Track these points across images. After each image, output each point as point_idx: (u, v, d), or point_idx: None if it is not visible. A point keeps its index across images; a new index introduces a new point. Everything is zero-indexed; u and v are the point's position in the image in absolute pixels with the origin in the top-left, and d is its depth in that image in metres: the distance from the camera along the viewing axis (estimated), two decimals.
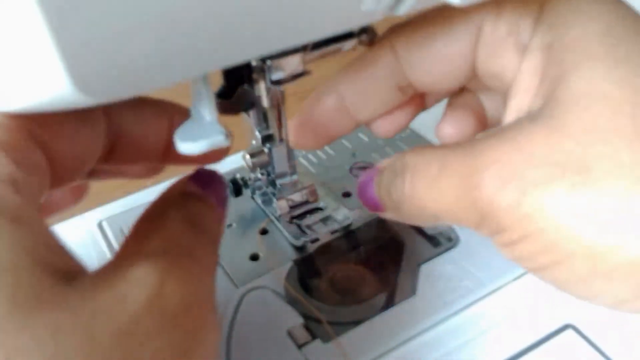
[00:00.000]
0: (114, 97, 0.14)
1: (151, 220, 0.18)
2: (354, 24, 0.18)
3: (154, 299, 0.14)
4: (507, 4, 0.20)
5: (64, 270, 0.14)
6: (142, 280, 0.15)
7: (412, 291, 0.30)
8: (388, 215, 0.23)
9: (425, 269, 0.31)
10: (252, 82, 0.27)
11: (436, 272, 0.31)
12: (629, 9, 0.19)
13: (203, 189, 0.20)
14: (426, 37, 0.22)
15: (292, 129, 0.25)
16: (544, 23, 0.19)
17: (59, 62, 0.12)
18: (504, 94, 0.22)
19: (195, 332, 0.15)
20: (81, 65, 0.12)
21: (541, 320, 0.28)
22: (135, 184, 0.41)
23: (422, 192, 0.20)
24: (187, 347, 0.15)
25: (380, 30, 0.25)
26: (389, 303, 0.30)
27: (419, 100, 0.26)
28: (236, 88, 0.27)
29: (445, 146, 0.20)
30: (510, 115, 0.20)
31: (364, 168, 0.39)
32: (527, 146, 0.17)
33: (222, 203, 0.21)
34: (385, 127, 0.26)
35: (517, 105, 0.20)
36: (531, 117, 0.18)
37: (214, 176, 0.22)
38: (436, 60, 0.22)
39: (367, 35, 0.25)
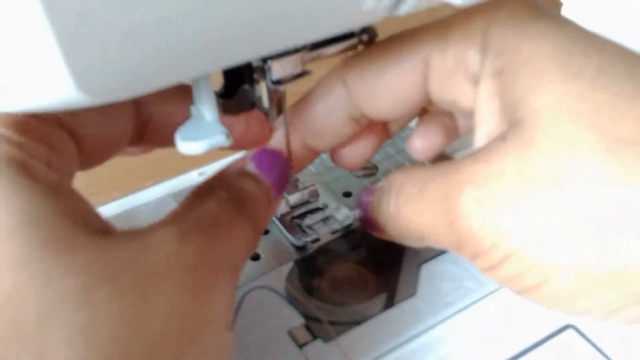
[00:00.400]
0: (116, 98, 0.14)
1: (198, 195, 0.19)
2: (354, 24, 0.18)
3: (173, 252, 0.16)
4: (450, 34, 0.21)
5: (98, 227, 0.16)
6: (165, 236, 0.17)
7: (413, 291, 0.30)
8: (383, 235, 0.23)
9: (425, 269, 0.31)
10: (252, 82, 0.27)
11: (437, 272, 0.31)
12: (573, 25, 0.19)
13: (262, 171, 0.21)
14: (375, 69, 0.22)
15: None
16: (491, 49, 0.19)
17: (62, 64, 0.12)
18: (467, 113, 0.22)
19: (206, 290, 0.17)
20: (84, 67, 0.12)
21: (541, 320, 0.28)
22: (134, 185, 0.41)
23: (406, 212, 0.20)
24: (197, 300, 0.16)
25: (381, 30, 0.25)
26: (390, 303, 0.30)
27: (381, 129, 0.26)
28: (237, 88, 0.27)
29: (428, 166, 0.20)
30: (481, 140, 0.20)
31: (364, 168, 0.39)
32: (499, 165, 0.17)
33: (278, 187, 0.22)
34: (348, 158, 0.26)
35: (486, 130, 0.20)
36: (502, 137, 0.18)
37: (276, 158, 0.22)
38: (385, 92, 0.22)
39: (367, 35, 0.25)
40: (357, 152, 0.26)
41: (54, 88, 0.13)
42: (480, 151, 0.18)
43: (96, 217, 0.17)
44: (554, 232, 0.16)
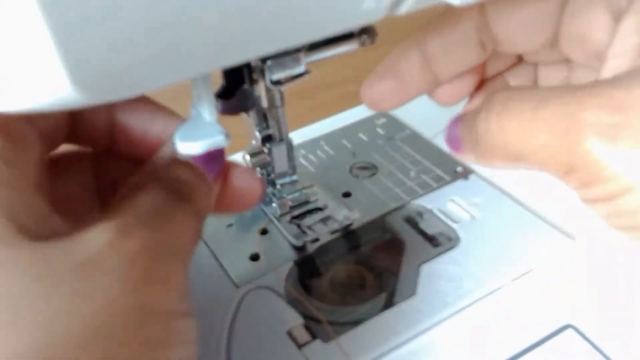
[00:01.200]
0: (114, 98, 0.14)
1: (133, 188, 0.19)
2: (354, 24, 0.18)
3: (108, 244, 0.16)
4: None
5: (39, 232, 0.16)
6: (102, 230, 0.16)
7: (412, 291, 0.30)
8: (466, 156, 0.23)
9: (425, 269, 0.31)
10: (252, 82, 0.27)
11: (436, 272, 0.31)
12: None
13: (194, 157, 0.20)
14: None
15: (370, 84, 0.25)
16: None
17: (59, 63, 0.12)
18: (566, 63, 0.22)
19: (148, 280, 0.16)
20: (81, 66, 0.12)
21: (541, 320, 0.28)
22: None
23: (512, 129, 0.19)
24: (138, 291, 0.16)
25: (381, 30, 0.25)
26: (389, 303, 0.30)
27: (480, 69, 0.26)
28: (236, 88, 0.27)
29: (543, 88, 0.19)
30: (610, 74, 0.19)
31: (364, 168, 0.39)
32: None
33: (213, 169, 0.21)
34: (448, 94, 0.26)
35: (620, 65, 0.19)
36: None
37: None
38: (525, 18, 0.22)
39: (367, 35, 0.25)
40: (456, 89, 0.26)
41: (50, 87, 0.13)
42: (619, 78, 0.17)
43: (44, 219, 0.16)
44: None
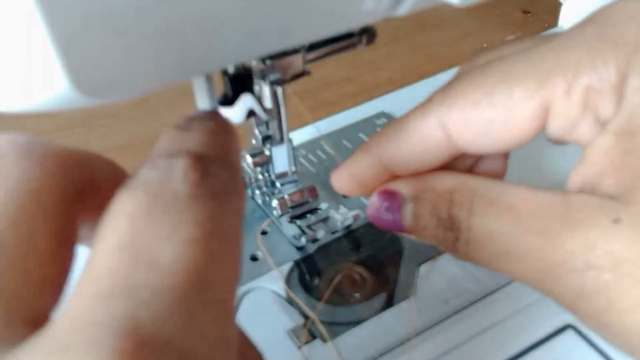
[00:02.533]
0: (113, 98, 0.14)
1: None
2: (354, 24, 0.18)
3: None
4: (577, 76, 0.18)
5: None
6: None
7: (412, 291, 0.30)
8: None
9: (425, 269, 0.31)
10: (253, 90, 0.27)
11: (436, 272, 0.31)
12: None
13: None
14: (482, 117, 0.19)
15: (335, 177, 0.23)
16: (627, 101, 0.17)
17: (58, 63, 0.12)
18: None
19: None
20: (80, 66, 0.12)
21: (541, 320, 0.28)
22: None
23: (481, 258, 0.19)
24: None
25: (381, 29, 0.25)
26: (389, 303, 0.30)
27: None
28: (238, 96, 0.27)
29: (507, 214, 0.18)
30: (575, 179, 0.18)
31: None
32: (610, 260, 0.16)
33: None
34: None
35: (584, 173, 0.18)
36: (614, 218, 0.16)
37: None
38: (495, 137, 0.19)
39: (367, 35, 0.25)
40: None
41: (50, 87, 0.13)
42: (586, 228, 0.17)
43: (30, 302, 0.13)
44: None
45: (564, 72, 0.18)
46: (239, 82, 0.27)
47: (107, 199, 0.14)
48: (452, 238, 0.20)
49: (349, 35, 0.25)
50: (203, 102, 0.21)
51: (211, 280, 0.13)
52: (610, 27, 0.17)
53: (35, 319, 0.13)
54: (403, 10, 0.17)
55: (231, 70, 0.27)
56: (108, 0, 0.12)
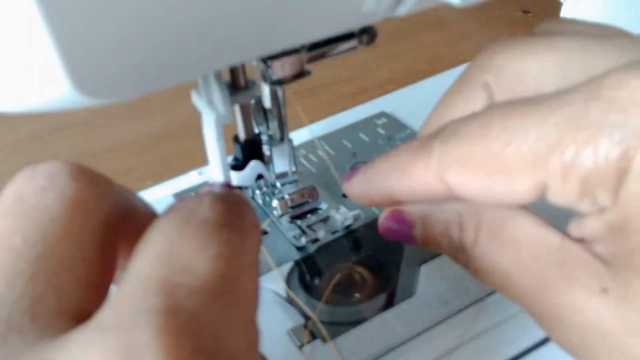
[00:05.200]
0: (114, 98, 0.14)
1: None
2: (354, 24, 0.18)
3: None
4: (576, 164, 0.16)
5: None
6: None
7: (412, 291, 0.30)
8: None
9: (425, 269, 0.31)
10: (263, 158, 0.31)
11: (436, 272, 0.31)
12: None
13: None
14: (482, 183, 0.19)
15: (345, 186, 0.24)
16: (621, 201, 0.16)
17: (58, 63, 0.12)
18: None
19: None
20: (81, 66, 0.12)
21: None
22: (134, 185, 0.41)
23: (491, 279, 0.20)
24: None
25: (381, 29, 0.25)
26: (389, 303, 0.30)
27: None
28: (248, 162, 0.30)
29: (507, 246, 0.19)
30: (575, 232, 0.18)
31: None
32: (596, 330, 0.17)
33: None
34: None
35: (582, 233, 0.18)
36: (603, 289, 0.17)
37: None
38: (496, 198, 0.19)
39: (367, 35, 0.25)
40: None
41: (51, 88, 0.13)
42: (576, 291, 0.17)
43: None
44: None
45: (562, 155, 0.17)
46: (249, 148, 0.30)
47: (141, 229, 0.16)
48: (463, 259, 0.20)
49: (349, 35, 0.25)
50: (213, 94, 0.22)
51: (237, 288, 0.15)
52: (613, 114, 0.16)
53: (81, 316, 0.14)
54: (403, 10, 0.17)
55: (242, 136, 0.30)
56: (108, 0, 0.12)
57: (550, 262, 0.18)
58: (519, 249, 0.18)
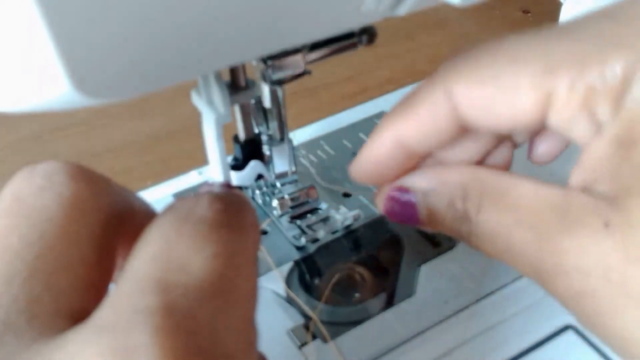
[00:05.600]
0: (114, 98, 0.14)
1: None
2: (354, 24, 0.18)
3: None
4: (582, 74, 0.17)
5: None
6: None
7: (412, 291, 0.30)
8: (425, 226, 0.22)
9: (425, 269, 0.31)
10: (263, 158, 0.31)
11: (436, 272, 0.31)
12: None
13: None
14: (486, 93, 0.19)
15: (354, 167, 0.23)
16: (625, 110, 0.17)
17: (58, 63, 0.12)
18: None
19: None
20: (81, 66, 0.12)
21: (541, 321, 0.28)
22: (134, 185, 0.41)
23: (495, 249, 0.20)
24: None
25: (381, 29, 0.25)
26: (389, 303, 0.30)
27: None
28: (248, 162, 0.30)
29: (513, 209, 0.19)
30: (576, 178, 0.19)
31: None
32: (602, 261, 0.17)
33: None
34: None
35: (582, 173, 0.18)
36: (605, 221, 0.17)
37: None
38: (499, 116, 0.19)
39: (367, 35, 0.25)
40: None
41: (50, 87, 0.13)
42: (579, 231, 0.17)
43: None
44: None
45: (570, 66, 0.18)
46: (249, 148, 0.30)
47: (140, 229, 0.16)
48: (467, 230, 0.20)
49: (349, 35, 0.25)
50: (212, 93, 0.22)
51: (234, 288, 0.15)
52: (623, 27, 0.17)
53: (78, 316, 0.14)
54: (403, 10, 0.17)
55: (242, 136, 0.30)
56: (108, 0, 0.12)
57: (553, 213, 0.18)
58: (522, 208, 0.19)
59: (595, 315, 0.17)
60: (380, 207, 0.23)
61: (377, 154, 0.22)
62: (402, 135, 0.21)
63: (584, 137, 0.18)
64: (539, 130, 0.21)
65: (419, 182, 0.21)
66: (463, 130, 0.21)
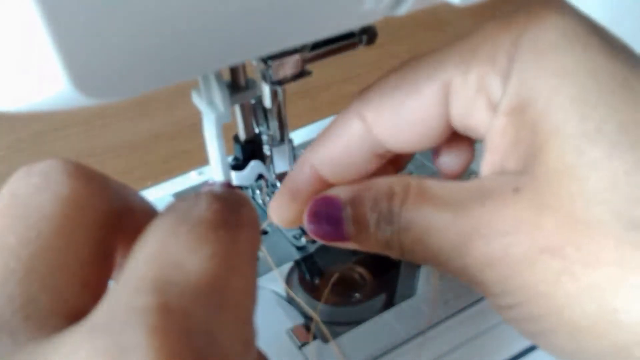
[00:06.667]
0: (114, 98, 0.14)
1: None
2: (354, 24, 0.18)
3: None
4: (475, 56, 0.19)
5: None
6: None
7: (412, 291, 0.30)
8: (349, 245, 0.22)
9: (425, 269, 0.31)
10: (263, 158, 0.31)
11: (436, 272, 0.31)
12: (608, 58, 0.17)
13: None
14: (393, 100, 0.21)
15: (272, 203, 0.24)
16: (512, 81, 0.18)
17: (58, 62, 0.12)
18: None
19: None
20: (80, 66, 0.12)
21: None
22: (134, 185, 0.41)
23: (416, 248, 0.20)
24: None
25: (381, 30, 0.25)
26: (389, 303, 0.30)
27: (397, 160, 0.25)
28: (249, 161, 0.30)
29: (435, 201, 0.20)
30: (486, 168, 0.20)
31: None
32: (514, 222, 0.18)
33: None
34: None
35: (491, 161, 0.19)
36: (514, 187, 0.18)
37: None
38: (407, 124, 0.21)
39: (367, 35, 0.25)
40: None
41: (49, 86, 0.13)
42: (491, 199, 0.18)
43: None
44: (555, 295, 0.17)
45: (462, 56, 0.20)
46: (250, 148, 0.30)
47: (140, 227, 0.16)
48: (391, 232, 0.20)
49: (349, 35, 0.25)
50: (212, 93, 0.22)
51: (231, 288, 0.15)
52: (506, 19, 0.19)
53: (75, 315, 0.14)
54: (403, 10, 0.17)
55: (242, 136, 0.30)
56: (108, 0, 0.12)
57: (468, 194, 0.19)
58: (442, 197, 0.20)
59: (506, 278, 0.18)
60: (291, 221, 0.23)
61: (295, 185, 0.23)
62: (320, 163, 0.22)
63: (484, 123, 0.20)
64: (444, 139, 0.22)
65: (344, 191, 0.22)
66: (382, 159, 0.22)
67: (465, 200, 0.19)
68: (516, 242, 0.17)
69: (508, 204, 0.18)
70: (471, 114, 0.20)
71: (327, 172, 0.22)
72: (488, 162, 0.20)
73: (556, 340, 0.18)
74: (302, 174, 0.23)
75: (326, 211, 0.22)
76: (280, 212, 0.23)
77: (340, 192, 0.22)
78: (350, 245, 0.22)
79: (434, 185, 0.20)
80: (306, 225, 0.22)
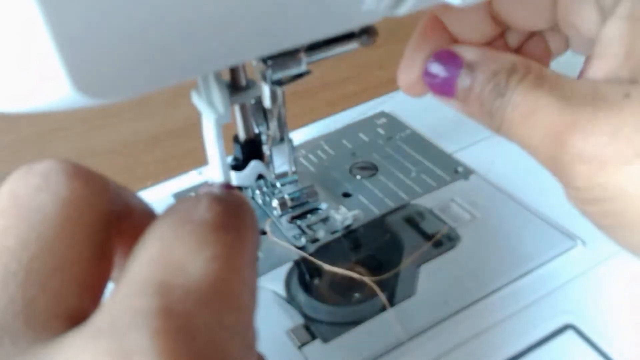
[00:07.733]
0: (114, 98, 0.14)
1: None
2: (354, 24, 0.18)
3: None
4: None
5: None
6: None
7: (412, 291, 0.30)
8: (452, 105, 0.23)
9: (425, 269, 0.31)
10: (263, 157, 0.31)
11: (436, 272, 0.31)
12: None
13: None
14: None
15: (402, 71, 0.24)
16: None
17: (59, 63, 0.12)
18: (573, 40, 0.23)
19: None
20: (81, 66, 0.12)
21: (541, 320, 0.28)
22: (134, 185, 0.41)
23: (516, 127, 0.21)
24: None
25: (381, 30, 0.25)
26: (389, 303, 0.30)
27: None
28: (248, 162, 0.30)
29: (550, 87, 0.20)
30: (596, 74, 0.20)
31: (364, 168, 0.39)
32: (618, 122, 0.18)
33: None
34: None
35: (605, 68, 0.20)
36: (625, 93, 0.19)
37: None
38: (522, 3, 0.22)
39: (368, 35, 0.25)
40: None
41: (51, 88, 0.13)
42: (603, 100, 0.19)
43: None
44: None
45: None
46: (249, 148, 0.30)
47: (138, 228, 0.16)
48: (497, 106, 0.21)
49: (349, 35, 0.25)
50: (213, 93, 0.22)
51: (232, 290, 0.15)
52: None
53: (76, 317, 0.14)
54: (403, 10, 0.17)
55: (242, 136, 0.30)
56: (108, 1, 0.12)
57: (581, 94, 0.19)
58: (558, 88, 0.20)
59: (595, 174, 0.18)
60: (413, 74, 0.23)
61: (424, 26, 0.23)
62: (444, 17, 0.23)
63: (590, 22, 0.20)
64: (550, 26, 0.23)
65: (468, 53, 0.22)
66: (496, 28, 0.23)
67: (578, 95, 0.19)
68: (614, 142, 0.18)
69: (616, 106, 0.18)
70: (577, 11, 0.21)
71: (449, 21, 0.23)
72: (602, 69, 0.20)
73: (632, 238, 0.19)
74: (430, 20, 0.23)
75: (446, 62, 0.22)
76: (406, 65, 0.24)
77: (465, 52, 0.22)
78: (452, 105, 0.23)
79: (553, 74, 0.21)
80: (423, 71, 0.23)
